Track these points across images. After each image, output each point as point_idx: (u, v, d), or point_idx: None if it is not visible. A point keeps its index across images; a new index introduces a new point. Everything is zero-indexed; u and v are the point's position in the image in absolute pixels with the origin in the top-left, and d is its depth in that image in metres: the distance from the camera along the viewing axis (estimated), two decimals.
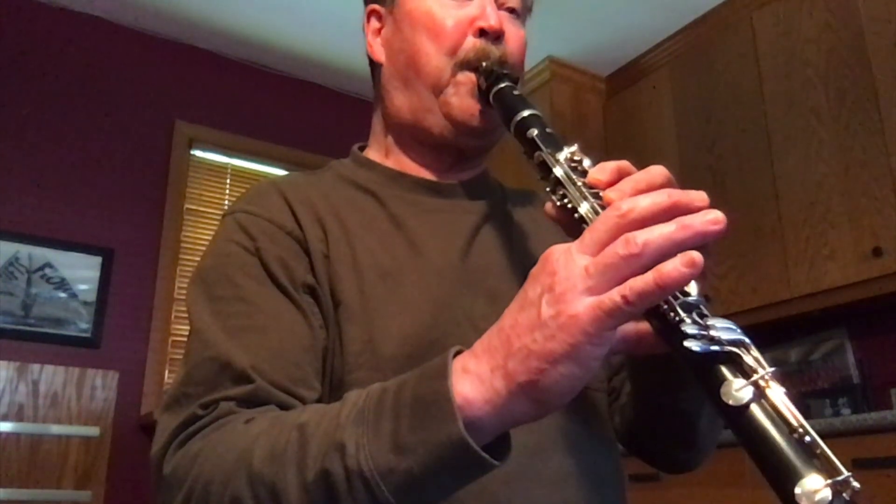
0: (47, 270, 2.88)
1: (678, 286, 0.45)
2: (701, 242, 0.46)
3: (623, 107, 3.40)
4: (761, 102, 2.74)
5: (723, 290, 2.68)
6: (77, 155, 3.05)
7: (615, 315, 0.45)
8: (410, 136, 0.85)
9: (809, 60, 2.60)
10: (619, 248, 0.46)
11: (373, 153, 0.88)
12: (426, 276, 0.75)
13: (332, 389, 0.70)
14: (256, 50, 3.47)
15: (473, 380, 0.49)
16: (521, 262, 0.80)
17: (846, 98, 2.46)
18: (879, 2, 2.43)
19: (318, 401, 0.68)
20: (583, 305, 0.46)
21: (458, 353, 0.52)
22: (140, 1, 3.14)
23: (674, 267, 0.44)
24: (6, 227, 2.83)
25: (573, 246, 0.49)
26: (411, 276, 0.74)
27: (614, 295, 0.45)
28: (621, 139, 3.34)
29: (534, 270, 0.50)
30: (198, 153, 3.39)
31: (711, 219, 0.46)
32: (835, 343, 2.59)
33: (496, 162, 1.08)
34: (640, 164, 0.61)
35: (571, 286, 0.46)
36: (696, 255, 0.44)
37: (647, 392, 0.76)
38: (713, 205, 0.49)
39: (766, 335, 2.75)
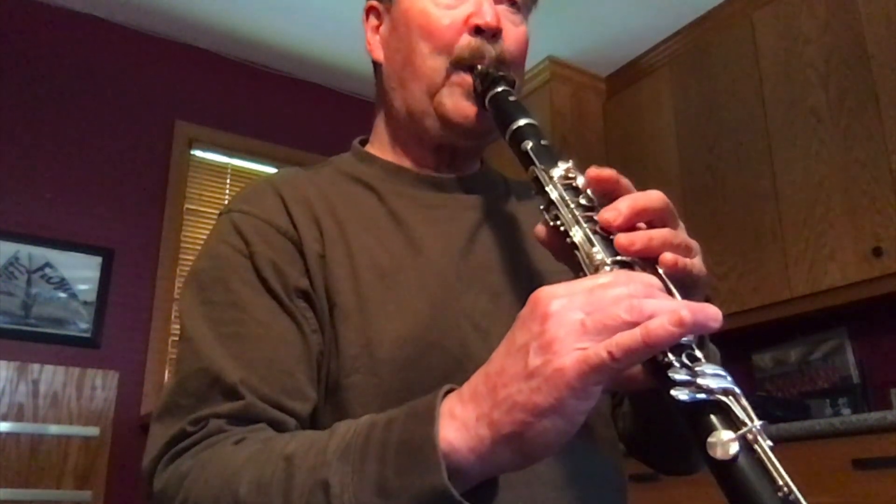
0: (47, 270, 2.88)
1: (666, 345, 0.44)
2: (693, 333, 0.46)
3: (623, 107, 3.40)
4: (761, 102, 2.73)
5: (723, 290, 2.68)
6: (77, 155, 3.05)
7: (601, 371, 0.44)
8: (409, 135, 0.84)
9: (809, 60, 2.59)
10: (622, 312, 0.45)
11: (374, 149, 0.88)
12: (425, 275, 0.73)
13: (329, 393, 0.69)
14: (256, 50, 3.47)
15: (459, 426, 0.48)
16: (524, 258, 0.79)
17: (846, 98, 2.46)
18: (879, 2, 2.43)
19: (314, 410, 0.67)
20: (570, 359, 0.44)
21: (450, 390, 0.51)
22: (140, 1, 3.14)
23: (661, 325, 0.43)
24: (6, 227, 2.83)
25: (569, 294, 0.47)
26: (410, 276, 0.73)
27: (601, 350, 0.44)
28: (621, 139, 3.34)
29: (523, 313, 0.49)
30: (198, 153, 3.39)
31: (713, 315, 0.45)
32: (835, 343, 2.59)
33: (496, 153, 1.08)
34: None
35: (562, 337, 0.45)
36: (686, 314, 0.44)
37: (645, 413, 0.76)
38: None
39: (766, 335, 2.75)
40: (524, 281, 0.77)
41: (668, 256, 0.54)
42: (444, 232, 0.78)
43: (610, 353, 0.43)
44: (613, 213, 0.55)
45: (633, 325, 0.44)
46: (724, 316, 0.46)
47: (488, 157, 0.92)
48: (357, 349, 0.68)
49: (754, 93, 2.77)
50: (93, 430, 2.75)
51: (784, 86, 2.66)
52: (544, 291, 0.48)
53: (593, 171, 0.58)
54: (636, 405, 0.78)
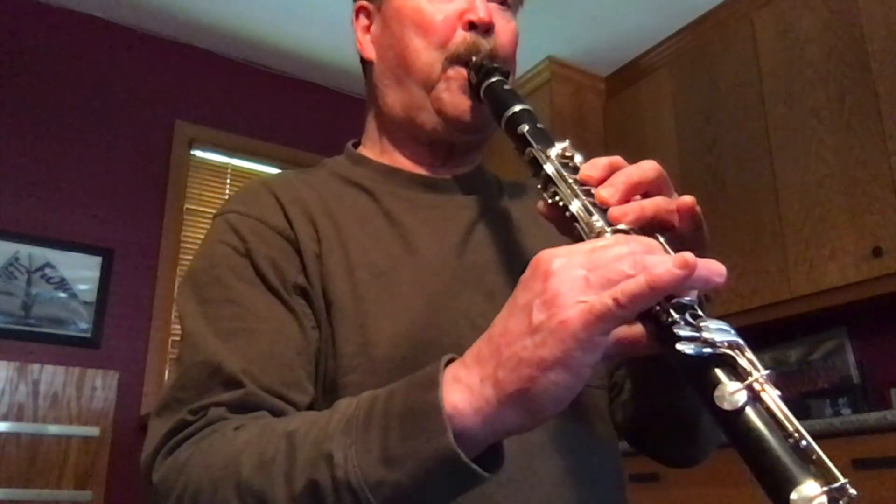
0: (47, 270, 2.89)
1: (671, 288, 0.44)
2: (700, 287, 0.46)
3: (623, 107, 3.40)
4: (761, 102, 2.73)
5: (723, 290, 2.67)
6: (77, 155, 3.05)
7: (607, 319, 0.44)
8: (404, 133, 0.84)
9: (809, 60, 2.59)
10: (625, 266, 0.45)
11: (367, 150, 0.88)
12: (421, 274, 0.74)
13: (326, 392, 0.69)
14: (256, 50, 3.47)
15: (463, 388, 0.48)
16: (519, 257, 0.79)
17: (846, 98, 2.46)
18: (879, 2, 2.43)
19: (311, 404, 0.67)
20: (574, 311, 0.44)
21: (451, 360, 0.51)
22: (140, 1, 3.14)
23: (665, 269, 0.43)
24: (6, 227, 2.83)
25: (569, 254, 0.47)
26: (406, 275, 0.73)
27: (605, 298, 0.44)
28: (621, 139, 3.34)
29: (524, 276, 0.49)
30: (198, 153, 3.39)
31: (717, 270, 0.45)
32: (835, 343, 2.59)
33: (495, 155, 1.08)
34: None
35: (566, 292, 0.45)
36: (690, 257, 0.43)
37: (648, 391, 0.75)
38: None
39: (766, 335, 2.75)
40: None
41: (686, 199, 0.56)
42: (440, 232, 0.78)
43: (615, 300, 0.43)
44: (610, 190, 0.55)
45: (632, 276, 0.44)
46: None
47: (487, 156, 0.92)
48: (354, 348, 0.68)
49: (754, 93, 2.77)
50: (93, 430, 2.75)
51: (784, 86, 2.66)
52: (545, 253, 0.48)
53: (587, 171, 0.57)
54: (638, 384, 0.77)
